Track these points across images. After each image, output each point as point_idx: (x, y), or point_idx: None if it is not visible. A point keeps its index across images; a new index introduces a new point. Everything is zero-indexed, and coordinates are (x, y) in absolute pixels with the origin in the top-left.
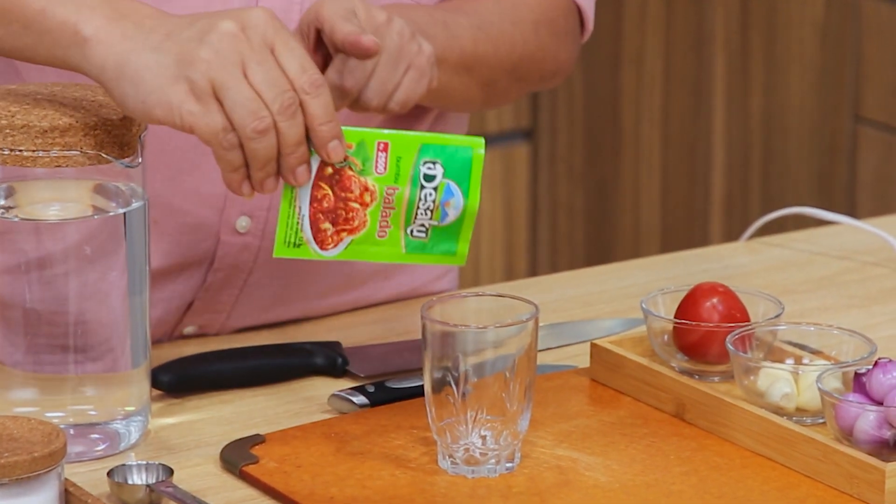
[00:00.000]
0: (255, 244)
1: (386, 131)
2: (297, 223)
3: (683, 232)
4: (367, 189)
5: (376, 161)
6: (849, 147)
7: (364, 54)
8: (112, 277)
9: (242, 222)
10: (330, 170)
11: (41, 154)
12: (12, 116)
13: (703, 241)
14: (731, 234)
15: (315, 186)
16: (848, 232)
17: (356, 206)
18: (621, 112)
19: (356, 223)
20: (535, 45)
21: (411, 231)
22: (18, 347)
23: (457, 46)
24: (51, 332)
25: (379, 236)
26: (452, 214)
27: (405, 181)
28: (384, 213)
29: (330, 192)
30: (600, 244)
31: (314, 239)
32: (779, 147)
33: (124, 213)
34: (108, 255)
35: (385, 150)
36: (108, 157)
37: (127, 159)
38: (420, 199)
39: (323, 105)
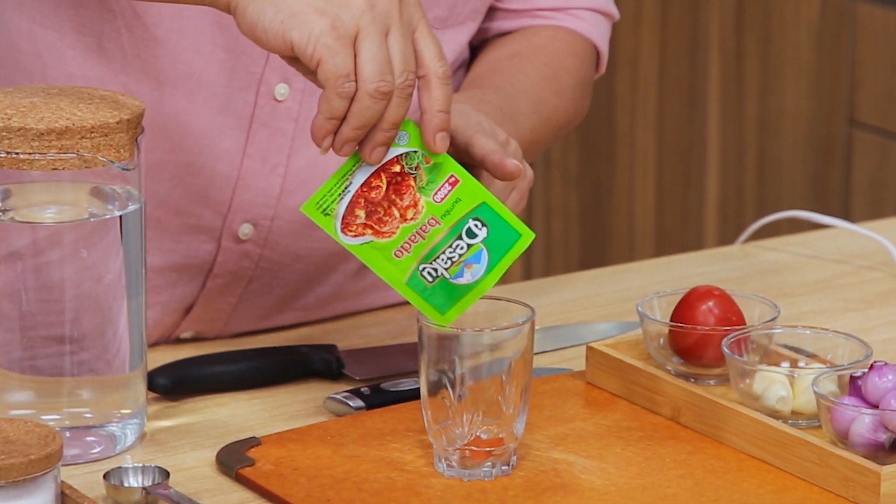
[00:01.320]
0: (256, 253)
1: (463, 170)
2: (339, 195)
3: (678, 235)
4: (415, 206)
5: (439, 188)
6: (843, 151)
7: (505, 177)
8: (108, 280)
9: (245, 229)
10: (398, 168)
11: (38, 157)
12: (9, 119)
13: (697, 244)
14: (726, 238)
15: (376, 174)
16: (843, 236)
17: (397, 214)
18: (616, 116)
19: (385, 229)
20: (573, 109)
21: (423, 269)
22: (14, 346)
23: (520, 138)
24: (47, 333)
25: (395, 254)
26: (466, 278)
27: (449, 222)
28: (412, 238)
29: (384, 187)
30: (595, 248)
31: (342, 218)
32: (773, 151)
33: (120, 216)
34: (105, 257)
35: (453, 185)
36: (105, 160)
37: (123, 162)
38: (450, 246)
39: (448, 94)
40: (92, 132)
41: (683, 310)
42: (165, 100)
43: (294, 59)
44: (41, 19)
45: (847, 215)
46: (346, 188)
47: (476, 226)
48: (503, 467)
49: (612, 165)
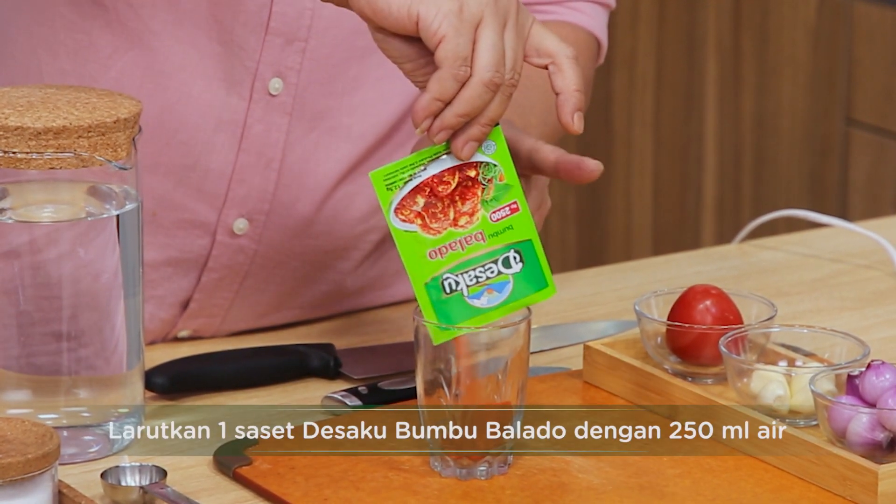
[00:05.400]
0: (252, 248)
1: (526, 203)
2: (408, 176)
3: (675, 234)
4: (471, 215)
5: (501, 208)
6: (841, 149)
7: (586, 177)
8: (105, 278)
9: (240, 224)
10: (473, 173)
11: (35, 156)
12: (6, 118)
13: (694, 243)
14: (723, 237)
15: (451, 170)
16: (840, 234)
17: (451, 216)
18: (613, 114)
19: (434, 226)
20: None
21: (445, 278)
22: (11, 344)
23: None
24: (44, 330)
25: (429, 254)
26: (482, 302)
27: (493, 244)
28: (451, 244)
29: (453, 186)
30: (592, 246)
31: (401, 199)
32: (771, 149)
33: (118, 215)
34: (102, 255)
35: (513, 211)
36: (102, 159)
37: (120, 161)
38: (482, 266)
39: (580, 75)
40: (89, 131)
41: (681, 309)
42: (159, 93)
43: (405, 41)
44: (36, 16)
45: (844, 214)
46: (418, 172)
47: (514, 258)
48: (500, 466)
49: (609, 164)
